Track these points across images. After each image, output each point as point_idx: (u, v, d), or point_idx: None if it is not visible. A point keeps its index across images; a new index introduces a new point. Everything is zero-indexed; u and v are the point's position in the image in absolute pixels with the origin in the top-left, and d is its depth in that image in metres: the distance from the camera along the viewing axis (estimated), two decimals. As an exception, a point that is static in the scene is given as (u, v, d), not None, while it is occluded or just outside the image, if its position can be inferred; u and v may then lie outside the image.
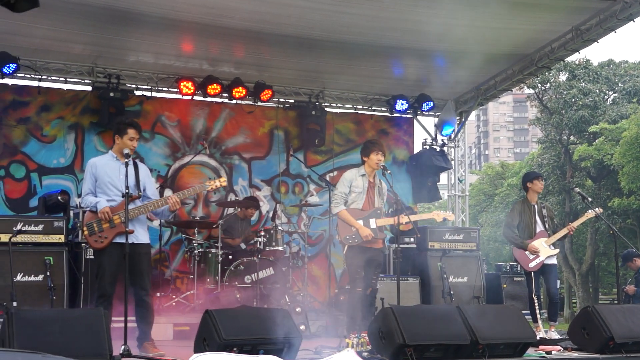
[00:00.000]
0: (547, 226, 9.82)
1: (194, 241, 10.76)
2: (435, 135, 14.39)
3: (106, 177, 7.39)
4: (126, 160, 7.25)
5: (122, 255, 7.06)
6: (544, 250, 9.63)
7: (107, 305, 7.07)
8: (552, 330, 9.63)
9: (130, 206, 7.18)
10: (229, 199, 12.62)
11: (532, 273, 9.66)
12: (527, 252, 9.67)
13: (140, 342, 7.25)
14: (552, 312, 10.03)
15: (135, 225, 7.31)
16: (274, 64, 12.32)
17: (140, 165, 7.68)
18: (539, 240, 9.69)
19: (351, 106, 14.12)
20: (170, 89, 12.63)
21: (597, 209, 9.97)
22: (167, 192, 11.88)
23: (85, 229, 7.34)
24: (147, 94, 12.57)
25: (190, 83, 12.18)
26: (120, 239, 7.16)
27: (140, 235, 7.43)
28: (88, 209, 7.43)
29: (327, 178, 13.29)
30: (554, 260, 9.85)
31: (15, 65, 11.09)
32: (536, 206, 9.92)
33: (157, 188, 11.54)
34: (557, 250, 9.91)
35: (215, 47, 11.65)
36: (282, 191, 13.36)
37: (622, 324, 7.69)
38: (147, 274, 7.46)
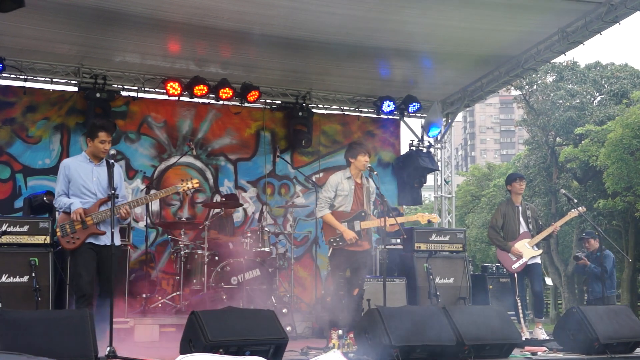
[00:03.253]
0: (530, 227, 9.87)
1: (180, 242, 10.72)
2: (422, 137, 14.40)
3: (79, 179, 7.39)
4: (109, 160, 7.33)
5: (95, 255, 7.18)
6: (527, 252, 9.68)
7: (87, 305, 7.04)
8: (539, 327, 9.67)
9: (102, 208, 7.24)
10: (214, 200, 12.59)
11: (516, 274, 9.71)
12: (510, 254, 9.71)
13: None
14: (538, 309, 10.07)
15: (107, 227, 7.25)
16: (261, 64, 12.31)
17: (115, 167, 7.62)
18: (521, 241, 9.73)
19: (338, 107, 14.12)
20: (156, 90, 12.59)
21: (580, 207, 10.01)
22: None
23: (58, 230, 7.34)
24: (134, 94, 12.54)
25: (176, 84, 12.13)
26: (93, 240, 7.24)
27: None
28: (61, 210, 7.42)
29: (313, 179, 13.29)
30: (537, 260, 9.89)
31: (1, 65, 11.05)
32: (520, 207, 9.97)
33: (142, 190, 11.62)
34: (540, 251, 9.95)
35: (202, 48, 11.63)
36: (268, 192, 13.34)
37: (607, 324, 7.75)
38: (111, 276, 7.34)
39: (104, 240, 7.16)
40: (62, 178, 7.43)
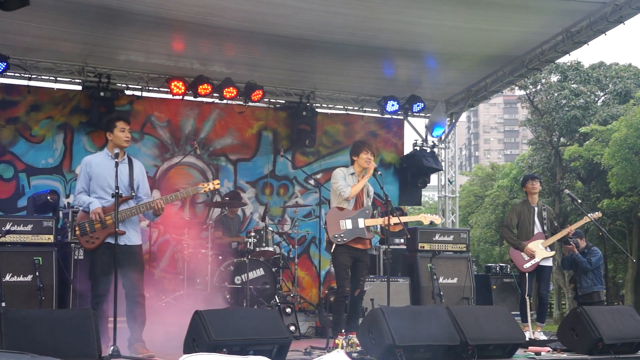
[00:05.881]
0: (545, 228, 9.87)
1: (183, 242, 10.72)
2: (426, 137, 14.40)
3: (101, 176, 7.28)
4: (115, 159, 7.21)
5: (114, 255, 7.00)
6: (540, 252, 9.69)
7: (102, 305, 7.04)
8: (539, 330, 9.72)
9: (123, 207, 7.13)
10: (214, 200, 12.59)
11: (527, 274, 9.72)
12: (522, 253, 9.72)
13: (131, 343, 7.20)
14: (541, 313, 10.12)
15: (127, 226, 7.22)
16: (265, 63, 12.30)
17: (136, 163, 7.55)
18: (535, 242, 9.74)
19: (342, 107, 14.12)
20: (160, 89, 12.60)
21: (595, 213, 10.05)
22: (155, 193, 11.84)
23: (77, 229, 7.26)
24: (138, 93, 12.53)
25: (181, 83, 12.14)
26: (112, 240, 7.09)
27: (132, 236, 7.33)
28: (81, 208, 7.34)
29: (313, 180, 13.31)
30: (549, 263, 9.91)
31: (5, 64, 11.01)
32: (536, 208, 9.98)
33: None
34: (553, 253, 9.96)
35: (206, 47, 11.63)
36: (266, 193, 13.35)
37: (611, 325, 7.74)
38: (139, 275, 7.36)
39: (124, 240, 7.11)
40: (82, 175, 7.35)
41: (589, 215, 9.91)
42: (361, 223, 8.13)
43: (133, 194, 7.34)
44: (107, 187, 7.27)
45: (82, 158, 7.63)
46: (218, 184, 7.90)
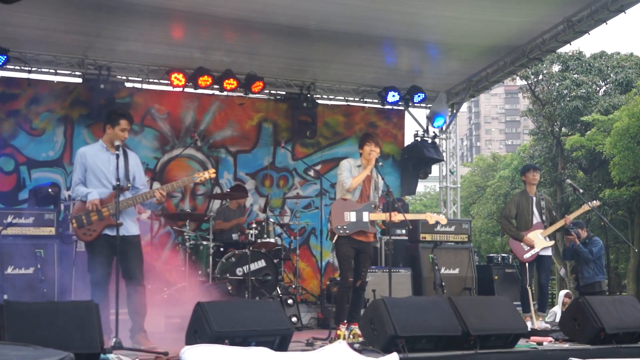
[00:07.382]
0: (544, 218, 9.89)
1: (185, 233, 10.72)
2: (427, 127, 14.38)
3: (96, 167, 7.27)
4: (117, 152, 7.17)
5: (112, 247, 7.04)
6: (539, 242, 9.71)
7: (102, 297, 7.02)
8: (540, 320, 9.74)
9: (120, 198, 7.12)
10: (214, 192, 12.59)
11: (527, 264, 9.75)
12: (522, 244, 9.74)
13: (133, 333, 7.20)
14: (541, 303, 10.16)
15: (124, 217, 7.21)
16: (265, 52, 12.20)
17: (131, 154, 7.52)
18: (534, 232, 9.76)
19: (342, 98, 14.09)
20: (160, 81, 12.57)
21: (593, 201, 10.06)
22: (156, 185, 11.85)
23: (74, 221, 7.25)
24: (138, 86, 12.52)
25: (181, 75, 12.10)
26: (109, 231, 7.12)
27: (130, 227, 7.33)
28: (78, 199, 7.32)
29: (313, 172, 13.31)
30: (548, 252, 9.96)
31: (5, 57, 11.02)
32: (534, 198, 10.01)
33: (147, 180, 11.58)
34: (552, 242, 9.99)
35: (205, 37, 11.58)
36: (266, 184, 13.35)
37: (613, 315, 7.73)
38: (139, 265, 7.36)
39: (122, 231, 7.07)
40: (78, 167, 7.32)
41: (588, 203, 9.93)
42: (365, 217, 8.12)
43: (129, 185, 7.32)
44: (103, 178, 7.28)
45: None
46: (214, 172, 7.87)
